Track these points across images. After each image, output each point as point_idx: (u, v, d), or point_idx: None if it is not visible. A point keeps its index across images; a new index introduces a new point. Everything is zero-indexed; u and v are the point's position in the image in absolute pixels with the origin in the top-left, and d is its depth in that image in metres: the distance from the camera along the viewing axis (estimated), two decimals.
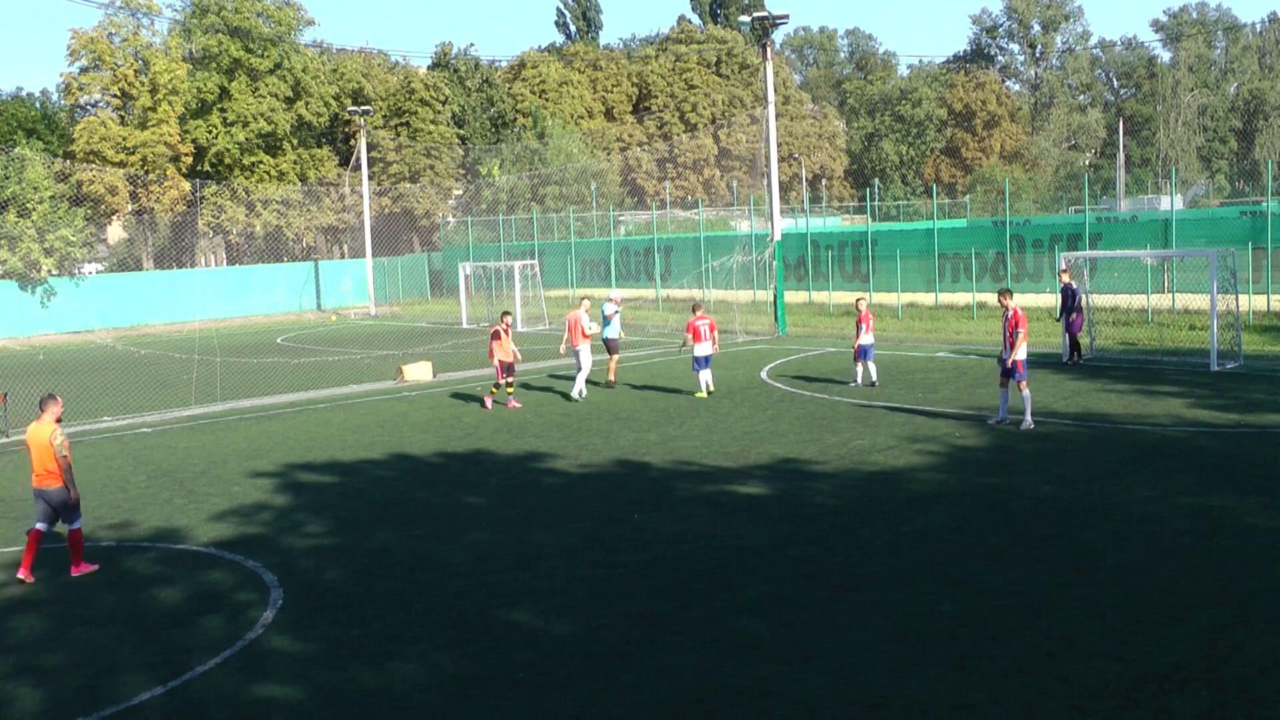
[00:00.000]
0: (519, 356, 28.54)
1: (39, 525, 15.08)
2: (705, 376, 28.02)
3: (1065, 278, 29.90)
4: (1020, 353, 21.80)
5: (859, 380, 28.04)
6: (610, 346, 30.83)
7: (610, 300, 31.79)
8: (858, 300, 29.57)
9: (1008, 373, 22.01)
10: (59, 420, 15.32)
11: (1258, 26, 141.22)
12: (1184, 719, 9.42)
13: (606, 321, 30.80)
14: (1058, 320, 30.89)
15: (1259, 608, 11.79)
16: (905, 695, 10.16)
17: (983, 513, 15.95)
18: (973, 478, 18.16)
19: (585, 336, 28.90)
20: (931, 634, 11.57)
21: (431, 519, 17.29)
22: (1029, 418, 21.78)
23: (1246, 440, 19.89)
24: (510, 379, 27.94)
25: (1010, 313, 22.13)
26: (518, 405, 27.72)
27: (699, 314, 28.57)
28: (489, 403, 27.80)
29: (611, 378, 30.43)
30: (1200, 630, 11.26)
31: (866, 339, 27.80)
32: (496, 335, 27.73)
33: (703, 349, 27.93)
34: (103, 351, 47.22)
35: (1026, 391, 21.93)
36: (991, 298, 43.00)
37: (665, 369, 33.28)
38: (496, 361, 27.79)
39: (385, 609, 13.19)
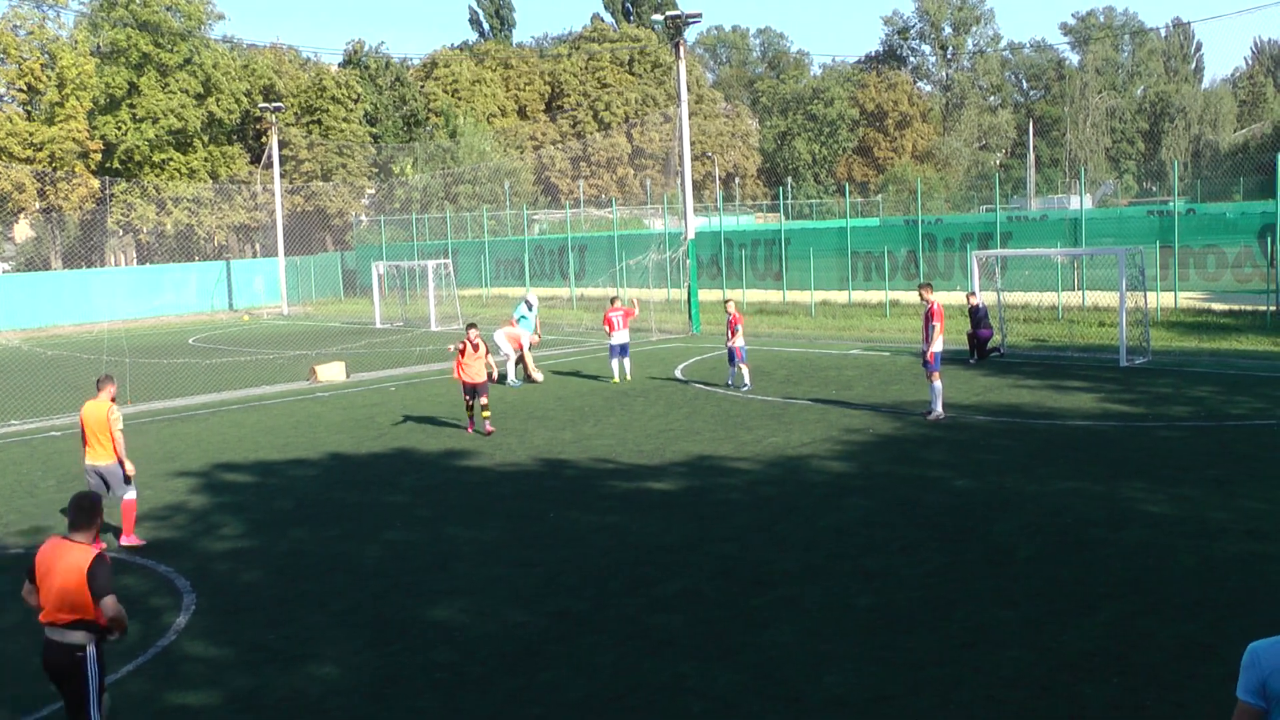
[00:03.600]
0: (494, 374, 25.88)
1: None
2: (619, 364, 29.80)
3: (973, 300, 30.24)
4: (936, 345, 22.21)
5: (732, 381, 27.71)
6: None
7: (525, 300, 31.94)
8: (726, 302, 29.33)
9: (928, 365, 22.44)
10: (114, 399, 16.15)
11: (1163, 31, 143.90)
12: (1096, 706, 9.56)
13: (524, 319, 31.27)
14: (967, 335, 31.05)
15: (1168, 596, 11.99)
16: (823, 689, 10.22)
17: (897, 507, 16.09)
18: (887, 473, 18.31)
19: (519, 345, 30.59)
20: (848, 628, 11.65)
21: (348, 519, 17.15)
22: (939, 408, 22.34)
23: (1155, 433, 20.22)
24: (482, 400, 23.42)
25: (930, 306, 22.53)
26: (488, 431, 23.29)
27: (615, 305, 30.15)
28: (470, 428, 23.82)
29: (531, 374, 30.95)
30: (1112, 619, 11.43)
31: (738, 341, 27.39)
32: (462, 350, 23.67)
33: (618, 337, 29.62)
34: (9, 353, 46.32)
35: (938, 384, 22.37)
36: (905, 295, 43.51)
37: (580, 368, 33.24)
38: (468, 383, 23.63)
39: (301, 611, 13.06)
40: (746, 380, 27.44)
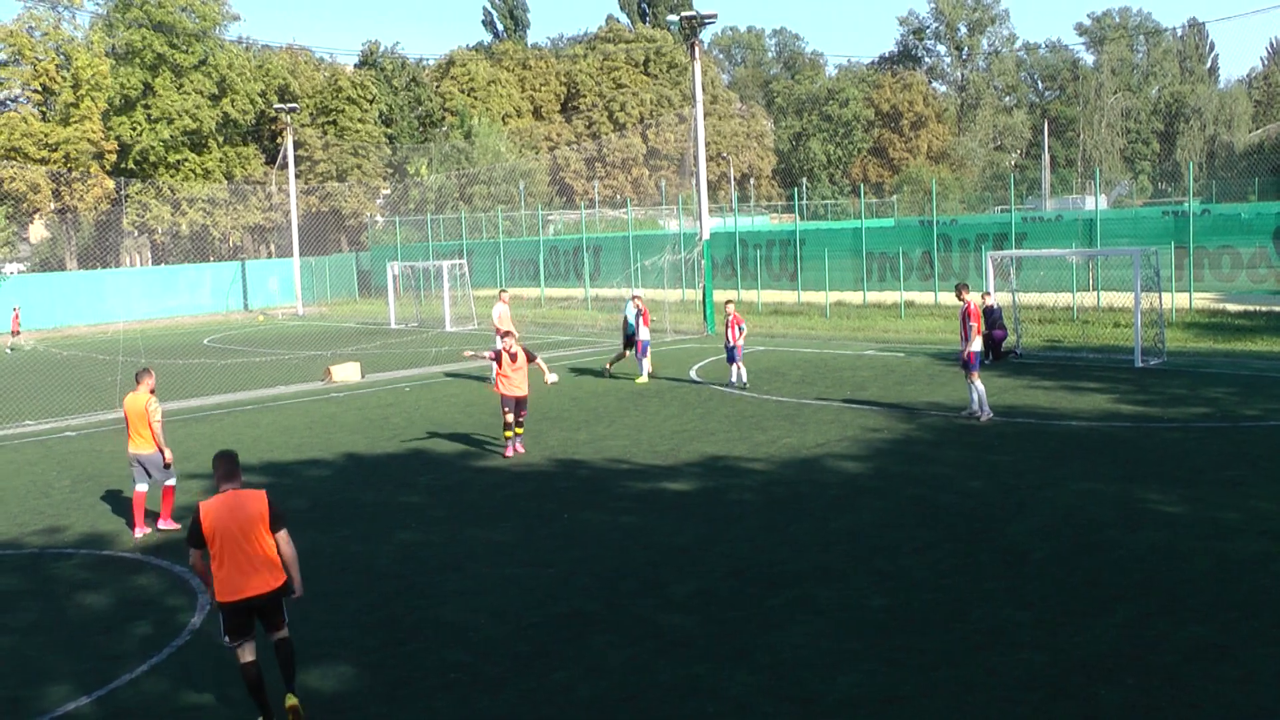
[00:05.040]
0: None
1: (139, 487, 17.06)
2: (644, 364, 30.52)
3: (988, 300, 30.15)
4: (975, 344, 22.13)
5: (735, 379, 27.90)
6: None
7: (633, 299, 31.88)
8: (726, 303, 29.58)
9: (968, 365, 22.27)
10: (153, 391, 17.16)
11: (1178, 31, 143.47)
12: (1111, 708, 9.53)
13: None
14: (983, 334, 30.94)
15: (1183, 597, 11.96)
16: (836, 690, 10.21)
17: (911, 508, 16.07)
18: (901, 473, 18.28)
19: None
20: (861, 629, 11.63)
21: (362, 519, 17.17)
22: (987, 409, 22.33)
23: (1169, 434, 20.16)
24: (517, 417, 21.36)
25: (966, 306, 22.36)
26: (520, 451, 21.38)
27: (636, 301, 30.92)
28: (509, 450, 21.35)
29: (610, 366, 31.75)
30: (1126, 620, 11.40)
31: (739, 341, 27.70)
32: (498, 359, 21.41)
33: (642, 334, 30.36)
34: (24, 354, 46.48)
35: (980, 384, 22.36)
36: (920, 296, 43.50)
37: (595, 368, 33.24)
38: (508, 397, 21.29)
39: (315, 611, 13.05)
40: (744, 378, 27.80)
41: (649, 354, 30.72)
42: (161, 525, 17.19)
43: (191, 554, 10.15)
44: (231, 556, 9.92)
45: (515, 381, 21.18)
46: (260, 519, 10.09)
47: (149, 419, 16.86)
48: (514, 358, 21.23)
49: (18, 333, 53.53)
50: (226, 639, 10.02)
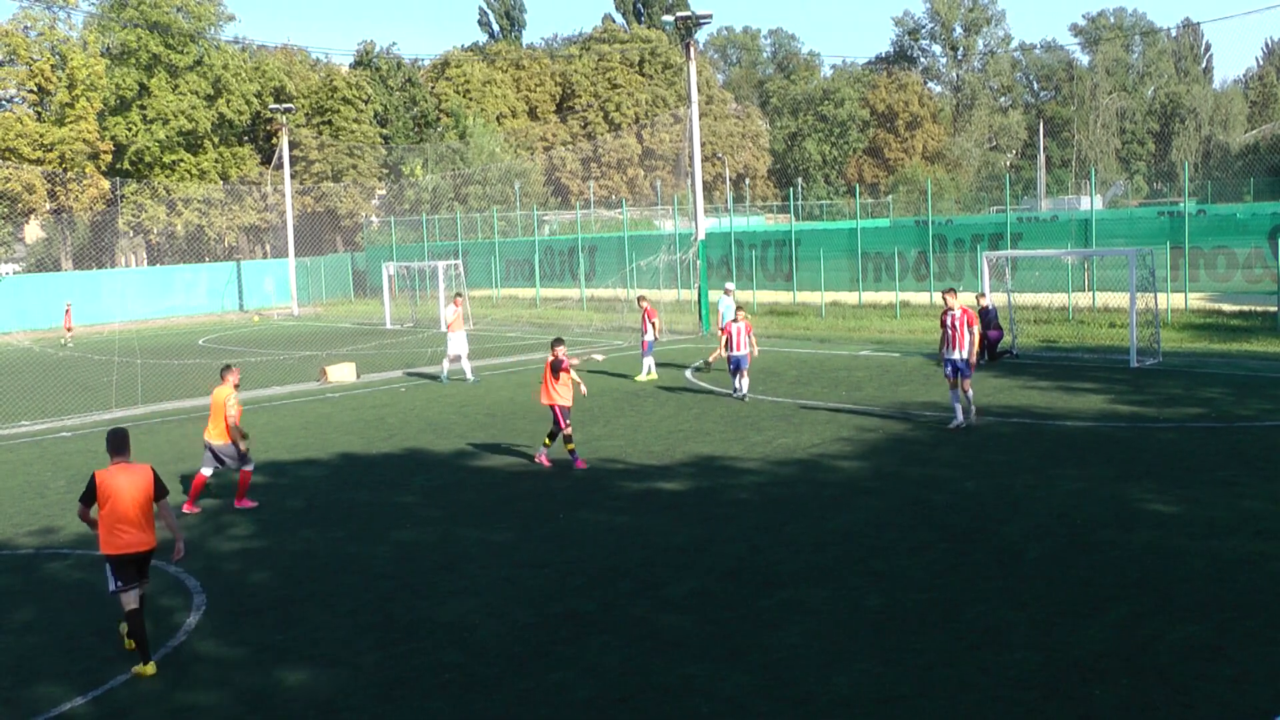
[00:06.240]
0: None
1: (204, 470, 18.18)
2: (648, 362, 30.65)
3: (983, 301, 30.15)
4: (973, 350, 21.31)
5: (736, 390, 26.29)
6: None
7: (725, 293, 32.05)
8: (737, 309, 27.51)
9: (958, 372, 21.40)
10: (236, 386, 18.18)
11: (1173, 31, 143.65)
12: (1105, 707, 9.55)
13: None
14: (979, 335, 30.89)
15: (1177, 597, 11.98)
16: (831, 690, 10.22)
17: (906, 508, 16.08)
18: (896, 474, 18.30)
19: (450, 327, 31.87)
20: (857, 629, 11.65)
21: (357, 520, 17.18)
22: (971, 415, 21.63)
23: (1164, 434, 20.18)
24: (567, 429, 20.21)
25: (959, 311, 21.44)
26: (583, 465, 20.14)
27: (642, 302, 31.13)
28: (544, 458, 20.60)
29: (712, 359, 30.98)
30: (1120, 620, 11.42)
31: (740, 353, 26.07)
32: (555, 370, 20.10)
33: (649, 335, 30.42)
34: (20, 354, 46.43)
35: (970, 391, 21.60)
36: (915, 296, 43.49)
37: (589, 369, 33.22)
38: (554, 406, 20.18)
39: (311, 611, 13.08)
40: (745, 388, 26.37)
41: (652, 354, 30.72)
42: (238, 504, 18.27)
43: (80, 507, 11.86)
44: (119, 517, 11.65)
45: (564, 392, 20.07)
46: (146, 489, 11.86)
47: (225, 411, 17.82)
48: (566, 368, 20.13)
49: (70, 328, 54.51)
50: (117, 583, 11.65)
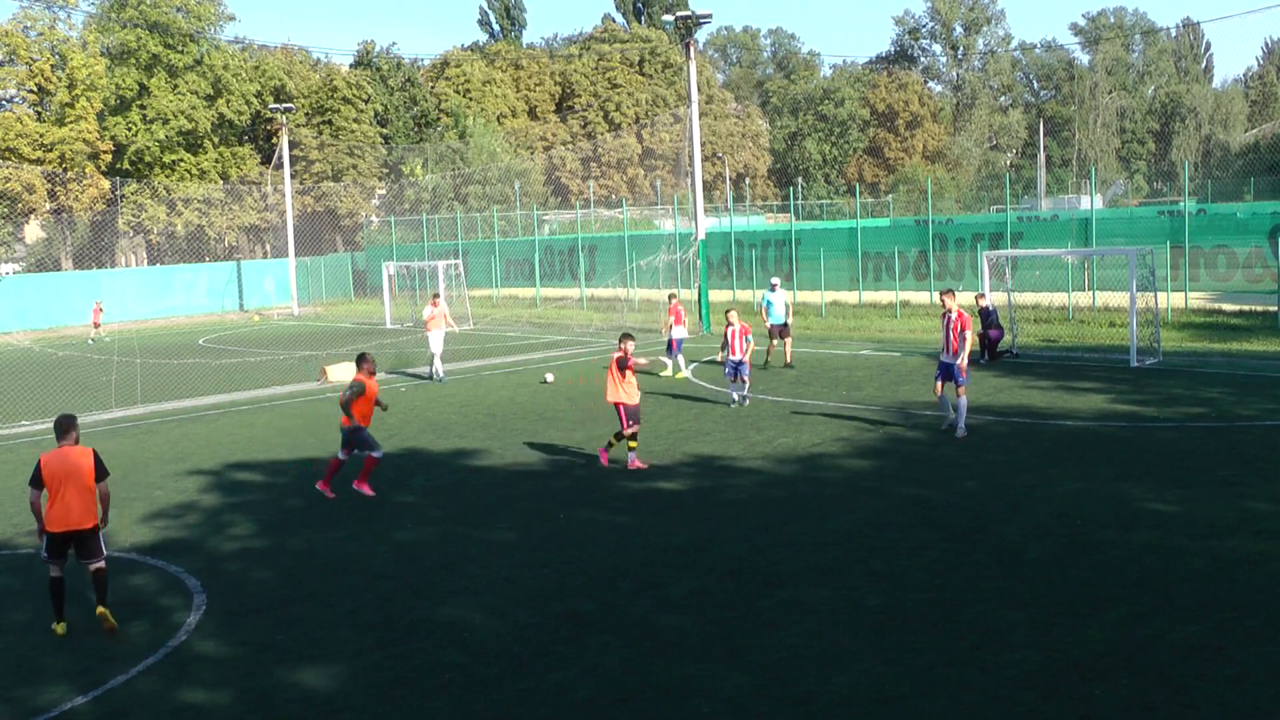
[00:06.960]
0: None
1: (340, 455, 18.84)
2: (677, 359, 30.62)
3: (983, 301, 30.15)
4: (964, 356, 20.83)
5: (736, 396, 25.64)
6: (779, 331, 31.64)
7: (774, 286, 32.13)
8: (727, 311, 26.72)
9: (948, 375, 21.01)
10: (371, 374, 18.97)
11: (1173, 31, 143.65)
12: (1105, 707, 9.55)
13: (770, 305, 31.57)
14: (978, 336, 30.82)
15: (1177, 597, 11.98)
16: (831, 690, 10.22)
17: (906, 508, 16.08)
18: (896, 474, 18.29)
19: (427, 325, 32.39)
20: (857, 629, 11.64)
21: (357, 520, 17.18)
22: (959, 429, 20.95)
23: (1165, 434, 20.18)
24: (634, 429, 19.75)
25: (955, 314, 20.98)
26: (641, 465, 19.74)
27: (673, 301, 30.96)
28: (605, 457, 20.33)
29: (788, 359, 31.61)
30: (1120, 620, 11.42)
31: (737, 357, 25.23)
32: (621, 367, 19.71)
33: (678, 332, 30.37)
34: (20, 354, 46.44)
35: (964, 399, 21.02)
36: (915, 296, 43.48)
37: (589, 369, 33.22)
38: (619, 404, 19.78)
39: (311, 611, 13.08)
40: (746, 392, 25.85)
41: (681, 350, 30.75)
42: (354, 486, 18.80)
43: (31, 493, 12.77)
44: (61, 497, 12.62)
45: (631, 390, 19.73)
46: (88, 471, 12.81)
47: (374, 396, 18.79)
48: (632, 366, 19.72)
49: (98, 325, 55.75)
50: (45, 555, 12.77)
